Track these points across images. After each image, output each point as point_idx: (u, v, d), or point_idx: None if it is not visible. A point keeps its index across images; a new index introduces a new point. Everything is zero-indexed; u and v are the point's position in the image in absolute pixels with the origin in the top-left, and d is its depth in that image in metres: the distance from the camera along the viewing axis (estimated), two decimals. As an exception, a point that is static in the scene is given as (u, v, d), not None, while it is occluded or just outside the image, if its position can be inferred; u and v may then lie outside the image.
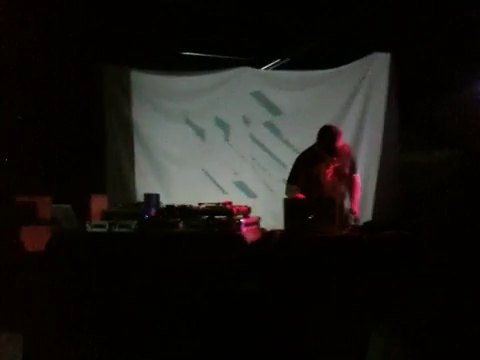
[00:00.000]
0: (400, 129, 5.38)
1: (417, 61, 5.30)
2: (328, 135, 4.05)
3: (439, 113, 5.33)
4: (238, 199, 5.38)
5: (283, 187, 5.40)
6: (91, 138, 5.17)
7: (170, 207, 3.84)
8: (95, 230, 3.72)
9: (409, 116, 5.36)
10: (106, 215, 3.81)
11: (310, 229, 3.52)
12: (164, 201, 4.65)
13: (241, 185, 5.51)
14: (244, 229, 3.68)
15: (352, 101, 5.44)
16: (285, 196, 5.19)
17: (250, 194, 5.50)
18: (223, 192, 5.45)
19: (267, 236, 3.85)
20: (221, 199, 5.10)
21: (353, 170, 4.21)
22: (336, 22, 5.07)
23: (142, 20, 4.85)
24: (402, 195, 5.18)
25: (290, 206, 3.63)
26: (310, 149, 4.28)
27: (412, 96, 5.35)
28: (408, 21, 4.99)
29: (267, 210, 4.95)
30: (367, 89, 5.43)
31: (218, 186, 5.46)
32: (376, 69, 5.39)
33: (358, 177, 4.26)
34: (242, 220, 3.67)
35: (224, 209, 3.77)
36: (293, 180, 4.33)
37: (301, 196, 4.14)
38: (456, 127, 5.27)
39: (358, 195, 4.25)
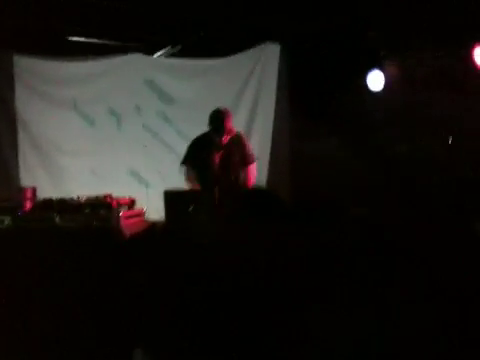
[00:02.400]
0: (290, 118, 5.54)
1: (306, 52, 5.47)
2: (216, 115, 4.15)
3: (328, 102, 5.54)
4: (131, 188, 5.32)
5: (176, 176, 5.43)
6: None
7: (47, 201, 3.73)
8: (-36, 226, 3.53)
9: (299, 105, 5.52)
10: (-23, 210, 3.63)
11: (190, 221, 3.56)
12: (53, 194, 4.52)
13: (134, 174, 5.42)
14: (124, 222, 3.65)
15: (244, 90, 5.52)
16: (177, 184, 5.22)
17: (143, 182, 5.42)
18: (115, 182, 5.34)
19: (148, 229, 3.85)
20: (113, 189, 5.05)
21: (246, 159, 4.27)
22: (228, 10, 5.09)
23: (28, 4, 4.60)
24: (292, 182, 5.36)
25: (170, 198, 3.64)
26: (203, 133, 4.32)
27: (302, 86, 5.52)
28: (298, 12, 5.12)
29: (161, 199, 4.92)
30: (259, 78, 5.54)
31: (110, 176, 5.34)
32: (267, 58, 5.50)
33: (252, 167, 4.32)
34: (122, 213, 3.64)
35: (104, 202, 3.71)
36: (185, 161, 4.36)
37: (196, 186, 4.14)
38: (344, 116, 5.51)
39: (250, 185, 4.32)
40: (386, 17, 4.91)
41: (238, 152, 4.22)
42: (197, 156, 4.24)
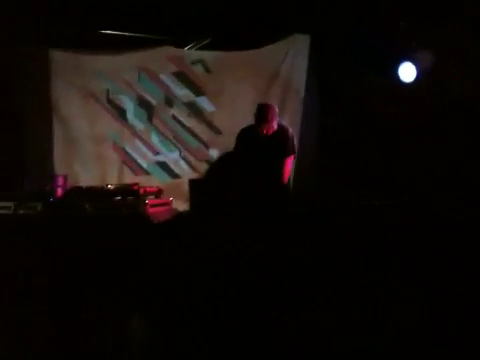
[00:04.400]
0: (319, 110, 5.52)
1: (337, 43, 5.43)
2: (260, 108, 4.33)
3: (358, 95, 5.49)
4: (160, 178, 5.44)
5: (205, 167, 5.50)
6: (9, 118, 5.07)
7: (77, 188, 3.85)
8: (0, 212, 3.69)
9: (329, 97, 5.49)
10: (13, 197, 3.79)
11: (215, 210, 3.62)
12: (84, 183, 4.66)
13: (164, 165, 5.52)
14: (151, 210, 3.74)
15: (274, 81, 5.53)
16: (206, 176, 5.29)
17: (173, 174, 5.51)
18: (146, 173, 5.46)
19: (174, 217, 3.94)
20: (143, 179, 5.16)
21: (284, 152, 4.36)
22: (257, 3, 5.11)
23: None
24: (319, 177, 5.34)
25: (195, 187, 3.71)
26: (250, 125, 4.45)
27: (332, 78, 5.49)
28: (327, 4, 5.09)
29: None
30: (288, 69, 5.54)
31: (140, 166, 5.46)
32: (297, 50, 5.51)
33: (288, 161, 4.41)
34: (148, 201, 3.73)
35: (131, 190, 3.81)
36: (236, 153, 4.46)
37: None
38: (373, 104, 5.45)
39: (285, 178, 4.36)
40: (417, 6, 4.84)
41: (279, 145, 4.31)
42: (242, 147, 4.32)
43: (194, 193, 3.64)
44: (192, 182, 3.75)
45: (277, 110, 4.41)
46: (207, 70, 5.56)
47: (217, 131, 5.53)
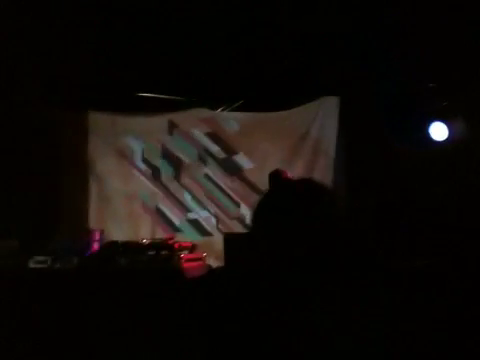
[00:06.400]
0: (348, 172, 5.53)
1: (366, 104, 5.53)
2: (273, 175, 4.31)
3: (386, 156, 5.51)
4: (192, 238, 5.44)
5: (237, 226, 5.51)
6: (45, 175, 5.22)
7: (113, 243, 3.88)
8: (36, 266, 3.72)
9: (358, 159, 5.52)
10: (48, 250, 3.83)
11: (250, 266, 3.59)
12: (117, 239, 4.71)
13: (195, 223, 5.56)
14: (185, 264, 3.72)
15: (304, 141, 5.62)
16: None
17: (204, 232, 5.55)
18: (178, 231, 5.49)
19: (209, 272, 3.90)
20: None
21: None
22: (288, 65, 5.29)
23: (101, 63, 5.00)
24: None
25: (230, 242, 3.70)
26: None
27: (361, 139, 5.54)
28: (355, 66, 5.24)
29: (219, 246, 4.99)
30: (318, 130, 5.63)
31: (171, 224, 5.51)
32: (326, 111, 5.61)
33: None
34: (183, 255, 3.72)
35: (166, 244, 3.82)
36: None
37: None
38: (404, 170, 5.45)
39: None
40: (446, 68, 4.94)
41: None
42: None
43: (228, 247, 3.62)
44: (227, 236, 3.76)
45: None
46: (239, 130, 5.70)
47: (253, 187, 5.58)
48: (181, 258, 3.66)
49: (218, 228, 5.58)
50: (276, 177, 4.28)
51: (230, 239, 3.72)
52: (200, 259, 3.98)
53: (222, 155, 5.68)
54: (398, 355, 1.34)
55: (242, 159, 5.68)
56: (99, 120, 5.57)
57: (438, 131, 5.38)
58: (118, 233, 5.13)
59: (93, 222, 5.21)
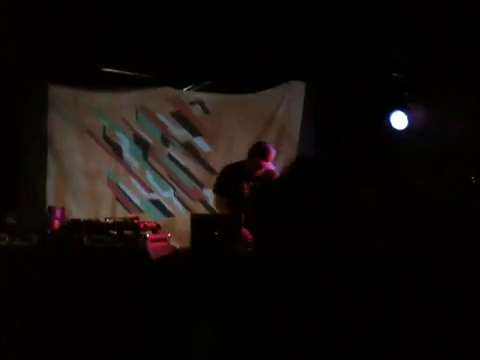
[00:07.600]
0: (313, 153, 5.59)
1: (331, 90, 5.58)
2: (259, 147, 4.42)
3: (351, 141, 5.60)
4: (154, 218, 5.37)
5: (200, 207, 5.49)
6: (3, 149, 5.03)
7: (75, 221, 3.78)
8: (-6, 243, 3.58)
9: (322, 141, 5.58)
10: (6, 227, 3.69)
11: (215, 245, 3.57)
12: (77, 217, 4.59)
13: (157, 204, 5.49)
14: (150, 245, 3.67)
15: (270, 125, 5.61)
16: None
17: (166, 213, 5.49)
18: (139, 210, 5.41)
19: (174, 253, 3.87)
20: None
21: None
22: (256, 50, 5.26)
23: (63, 35, 4.81)
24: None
25: (196, 222, 3.67)
26: (237, 162, 4.51)
27: (325, 123, 5.60)
28: (324, 53, 5.27)
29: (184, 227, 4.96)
30: (284, 114, 5.64)
31: (133, 203, 5.43)
32: (292, 96, 5.61)
33: None
34: (148, 235, 3.66)
35: (131, 224, 3.74)
36: (215, 189, 4.52)
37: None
38: (367, 155, 5.55)
39: None
40: (411, 59, 5.04)
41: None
42: (227, 184, 4.35)
43: (195, 227, 3.60)
44: (194, 216, 3.73)
45: (273, 151, 4.45)
46: (205, 111, 5.64)
47: (212, 171, 5.55)
48: (146, 238, 3.60)
49: (180, 209, 5.53)
50: (259, 149, 4.37)
51: (197, 219, 3.69)
52: (165, 240, 3.92)
53: (187, 136, 5.60)
54: (398, 355, 1.37)
55: (204, 142, 5.64)
56: (60, 94, 5.37)
57: (399, 120, 5.50)
58: (78, 211, 5.02)
59: (52, 200, 5.06)
